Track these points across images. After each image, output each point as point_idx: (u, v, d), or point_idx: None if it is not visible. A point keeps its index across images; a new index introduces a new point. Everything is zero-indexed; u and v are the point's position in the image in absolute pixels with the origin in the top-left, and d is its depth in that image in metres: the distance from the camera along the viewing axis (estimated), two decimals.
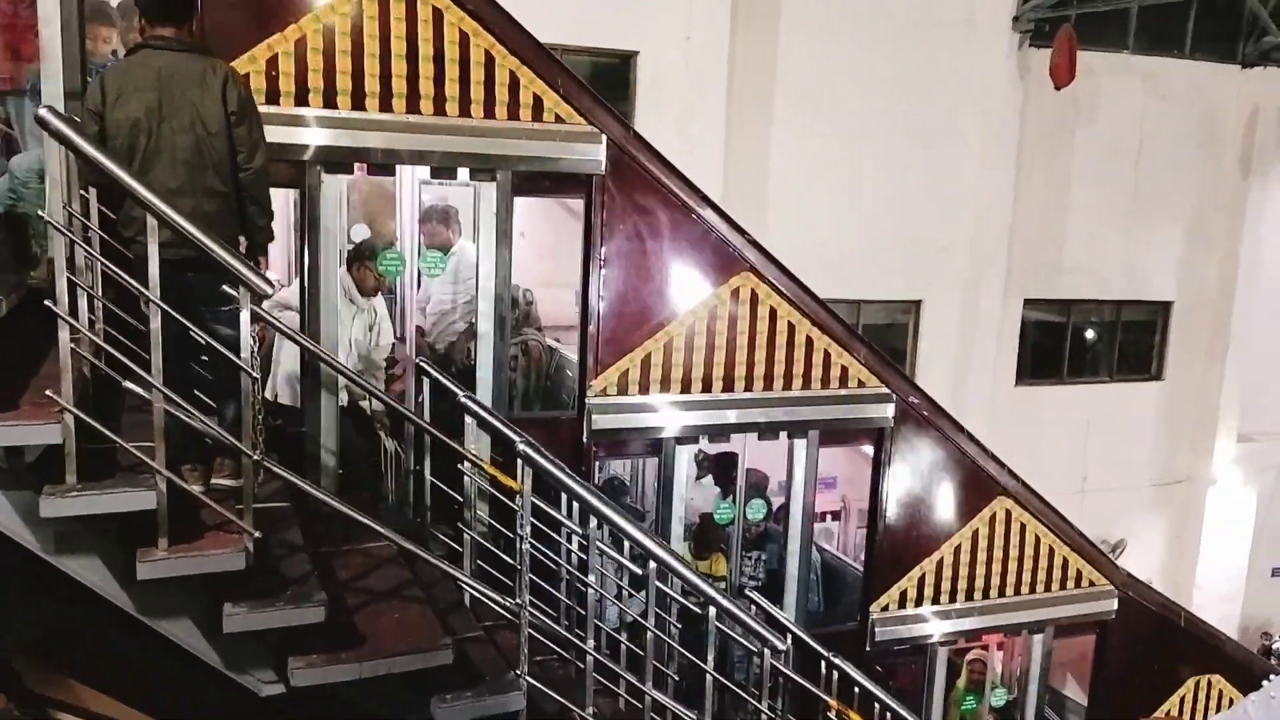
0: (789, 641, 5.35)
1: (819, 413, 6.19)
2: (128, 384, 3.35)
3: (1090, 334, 15.67)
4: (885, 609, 6.59)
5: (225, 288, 3.49)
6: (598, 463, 5.94)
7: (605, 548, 4.40)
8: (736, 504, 6.37)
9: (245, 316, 3.41)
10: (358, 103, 4.97)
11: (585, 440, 5.73)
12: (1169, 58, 14.76)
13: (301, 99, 4.88)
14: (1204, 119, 15.08)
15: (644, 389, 5.81)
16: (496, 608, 4.27)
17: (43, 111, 3.17)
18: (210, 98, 3.84)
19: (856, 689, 5.82)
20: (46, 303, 3.18)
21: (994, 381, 14.16)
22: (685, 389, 5.88)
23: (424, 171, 5.31)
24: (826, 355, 6.16)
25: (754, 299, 5.94)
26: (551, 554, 4.78)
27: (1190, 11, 14.75)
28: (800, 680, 5.47)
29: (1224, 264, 15.55)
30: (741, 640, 4.62)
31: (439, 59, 5.08)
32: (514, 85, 5.26)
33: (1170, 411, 15.78)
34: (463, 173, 5.30)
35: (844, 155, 12.65)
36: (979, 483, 6.74)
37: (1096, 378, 15.59)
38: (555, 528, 4.82)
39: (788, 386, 6.10)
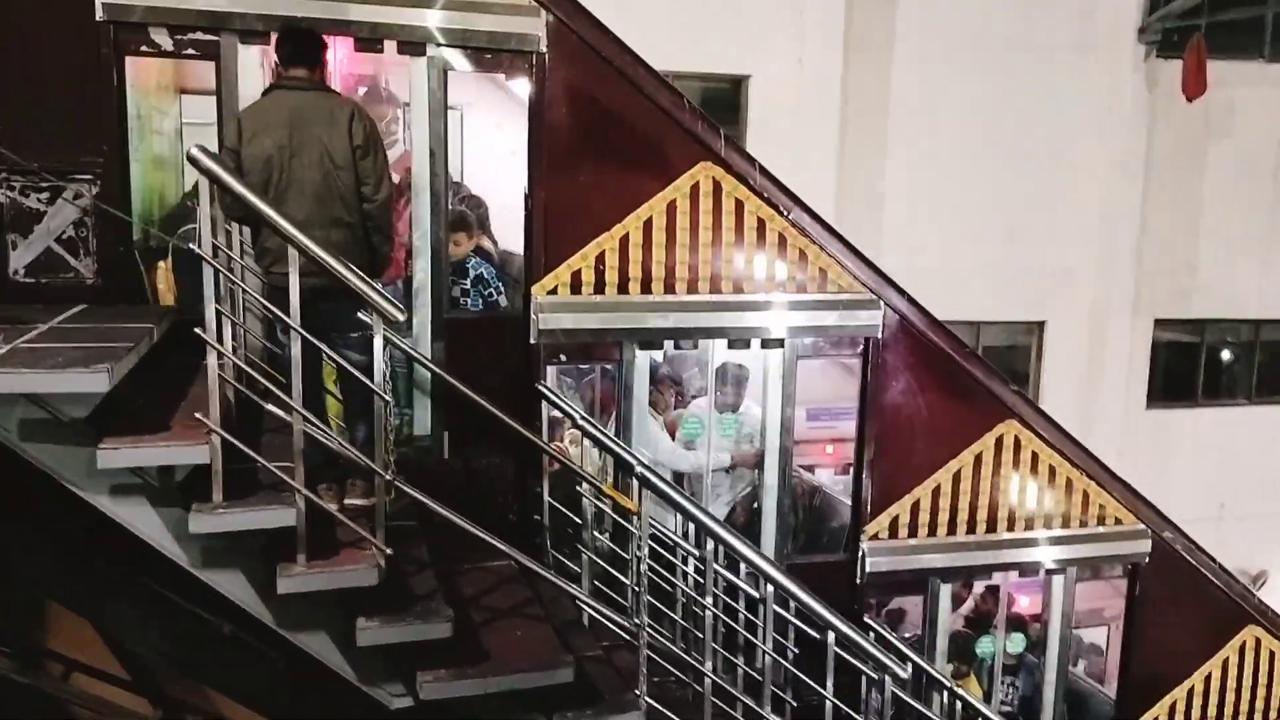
0: (909, 669, 5.26)
1: (1076, 551, 6.50)
2: (270, 407, 3.53)
3: (1226, 354, 14.97)
4: None
5: (360, 314, 3.64)
6: (870, 601, 6.33)
7: (721, 570, 4.40)
8: (997, 639, 6.77)
9: (378, 342, 3.56)
10: (669, 287, 5.58)
11: (860, 583, 6.10)
12: None
13: (622, 288, 5.51)
14: None
15: (912, 533, 6.18)
16: (614, 628, 4.33)
17: (194, 150, 3.38)
18: (338, 133, 4.03)
19: None
20: (196, 330, 3.38)
21: (1124, 404, 13.65)
22: (951, 531, 6.23)
23: (722, 345, 5.83)
24: (1085, 495, 6.47)
25: (1016, 445, 6.28)
26: (669, 575, 4.83)
27: None
28: (922, 709, 5.37)
29: None
30: (862, 667, 4.57)
31: (739, 243, 5.65)
32: (802, 260, 5.77)
33: None
34: (755, 342, 5.78)
35: (961, 177, 12.42)
36: (1229, 612, 6.95)
37: (1234, 400, 14.87)
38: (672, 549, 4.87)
39: (1047, 526, 6.42)
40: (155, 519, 3.63)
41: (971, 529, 6.26)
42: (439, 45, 5.14)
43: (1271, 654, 7.01)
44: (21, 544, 4.67)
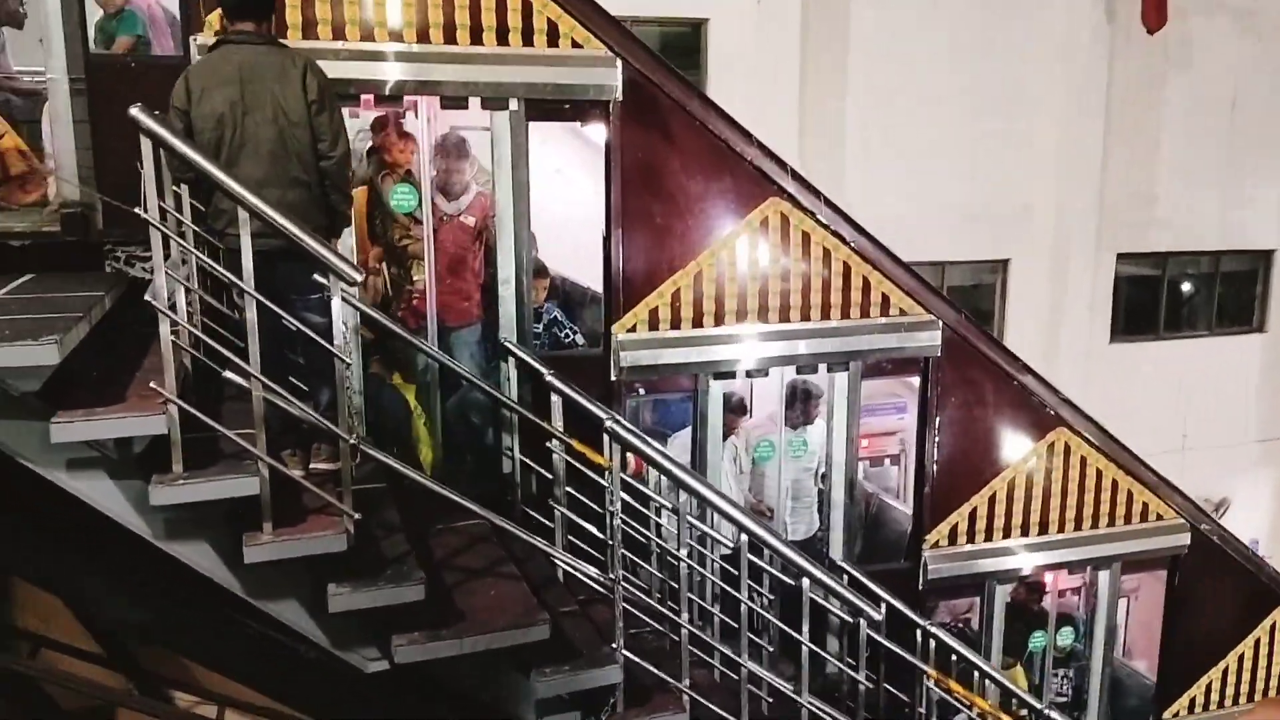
0: (883, 610, 5.32)
1: (1120, 548, 6.85)
2: (227, 374, 3.44)
3: (1187, 287, 15.12)
4: (1176, 715, 7.35)
5: (316, 276, 3.55)
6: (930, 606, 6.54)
7: (696, 522, 4.39)
8: (1048, 633, 7.08)
9: (336, 303, 3.47)
10: (740, 318, 5.78)
11: (920, 589, 6.38)
12: None
13: (696, 322, 5.70)
14: None
15: (970, 539, 6.47)
16: (590, 583, 4.31)
17: (134, 111, 3.25)
18: (291, 89, 3.90)
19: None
20: (147, 297, 3.28)
21: (1088, 339, 13.76)
22: (1006, 535, 6.55)
23: (790, 370, 6.11)
24: (1129, 495, 6.82)
25: (1066, 450, 6.61)
26: (643, 529, 4.81)
27: None
28: (897, 649, 5.43)
29: None
30: (836, 611, 4.60)
31: (806, 273, 5.88)
32: (865, 287, 6.01)
33: (1274, 364, 15.17)
34: (822, 366, 6.06)
35: (923, 117, 12.35)
36: (1260, 594, 7.38)
37: (1195, 332, 15.05)
38: (646, 502, 4.85)
39: (1095, 526, 6.76)
40: (115, 492, 3.55)
41: (1025, 532, 6.58)
42: (522, 100, 5.21)
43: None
44: None
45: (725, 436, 6.04)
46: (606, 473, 4.34)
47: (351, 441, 3.57)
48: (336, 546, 3.49)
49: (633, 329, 5.55)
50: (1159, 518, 6.88)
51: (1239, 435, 15.11)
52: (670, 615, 4.30)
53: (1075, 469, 6.60)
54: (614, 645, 4.05)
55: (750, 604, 4.23)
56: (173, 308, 3.43)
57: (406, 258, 5.53)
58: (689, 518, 4.28)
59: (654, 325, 5.60)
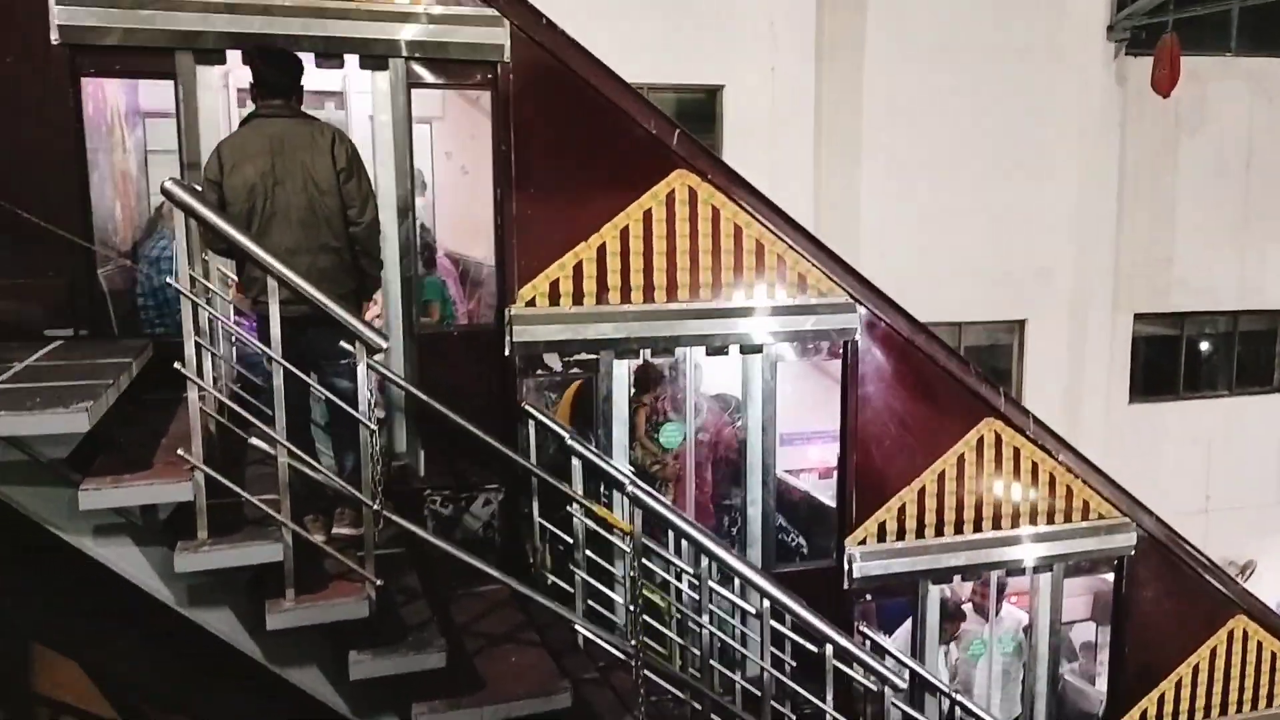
0: (907, 678, 5.26)
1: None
2: (254, 440, 3.48)
3: (1205, 347, 15.07)
4: None
5: (343, 343, 3.60)
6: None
7: (718, 586, 4.37)
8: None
9: (362, 370, 3.51)
10: (958, 529, 6.21)
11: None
12: (1275, 57, 14.22)
13: (919, 533, 6.08)
14: None
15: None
16: (611, 649, 4.28)
17: (167, 184, 3.33)
18: (321, 158, 4.00)
19: None
20: (176, 365, 3.33)
21: (1106, 400, 13.70)
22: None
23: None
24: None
25: (1244, 639, 7.03)
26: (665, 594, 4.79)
27: None
28: (919, 716, 5.35)
29: None
30: (860, 679, 4.54)
31: (1019, 484, 6.31)
32: (1069, 495, 6.42)
33: None
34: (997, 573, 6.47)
35: (937, 179, 12.45)
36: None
37: (1215, 392, 14.95)
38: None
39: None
40: (140, 558, 3.57)
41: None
42: (774, 344, 5.73)
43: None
44: (7, 587, 4.59)
45: (943, 641, 6.29)
46: (627, 538, 4.33)
47: (375, 507, 3.59)
48: (358, 613, 3.50)
49: (863, 541, 5.95)
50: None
51: (1264, 497, 14.93)
52: (692, 682, 4.26)
53: (1247, 657, 7.01)
54: (635, 714, 4.02)
55: (771, 671, 4.19)
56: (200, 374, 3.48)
57: (655, 480, 5.84)
58: (711, 583, 4.26)
59: (882, 538, 6.01)
